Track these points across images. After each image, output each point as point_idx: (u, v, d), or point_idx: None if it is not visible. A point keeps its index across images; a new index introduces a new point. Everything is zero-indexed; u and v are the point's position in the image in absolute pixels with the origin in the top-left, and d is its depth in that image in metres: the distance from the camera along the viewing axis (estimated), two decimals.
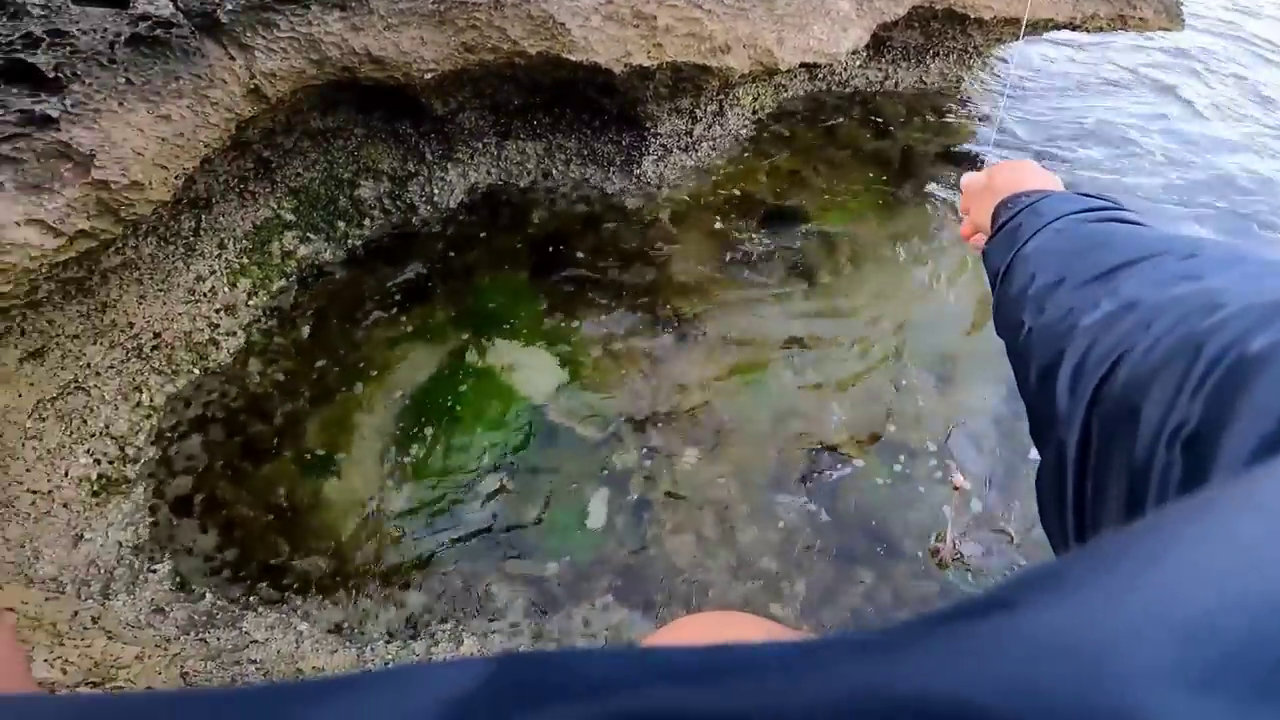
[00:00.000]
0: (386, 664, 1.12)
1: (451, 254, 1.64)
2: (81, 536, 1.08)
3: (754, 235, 1.67)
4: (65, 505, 1.07)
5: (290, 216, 1.53)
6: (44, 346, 1.09)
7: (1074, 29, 1.77)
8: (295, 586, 1.19)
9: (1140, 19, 1.76)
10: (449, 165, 1.67)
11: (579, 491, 1.37)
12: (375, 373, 1.45)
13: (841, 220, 1.73)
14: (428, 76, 1.39)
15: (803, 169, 1.78)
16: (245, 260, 1.44)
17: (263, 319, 1.43)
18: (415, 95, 1.48)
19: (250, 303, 1.42)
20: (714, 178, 1.72)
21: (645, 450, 1.40)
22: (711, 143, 1.70)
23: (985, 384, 1.51)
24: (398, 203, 1.66)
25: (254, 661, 1.15)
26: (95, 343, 1.16)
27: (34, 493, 1.05)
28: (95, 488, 1.13)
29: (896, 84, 1.98)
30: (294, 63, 1.27)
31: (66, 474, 1.10)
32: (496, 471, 1.37)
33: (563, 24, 1.33)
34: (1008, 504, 1.36)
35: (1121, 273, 0.41)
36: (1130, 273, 0.41)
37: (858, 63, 1.89)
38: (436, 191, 1.67)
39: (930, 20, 1.81)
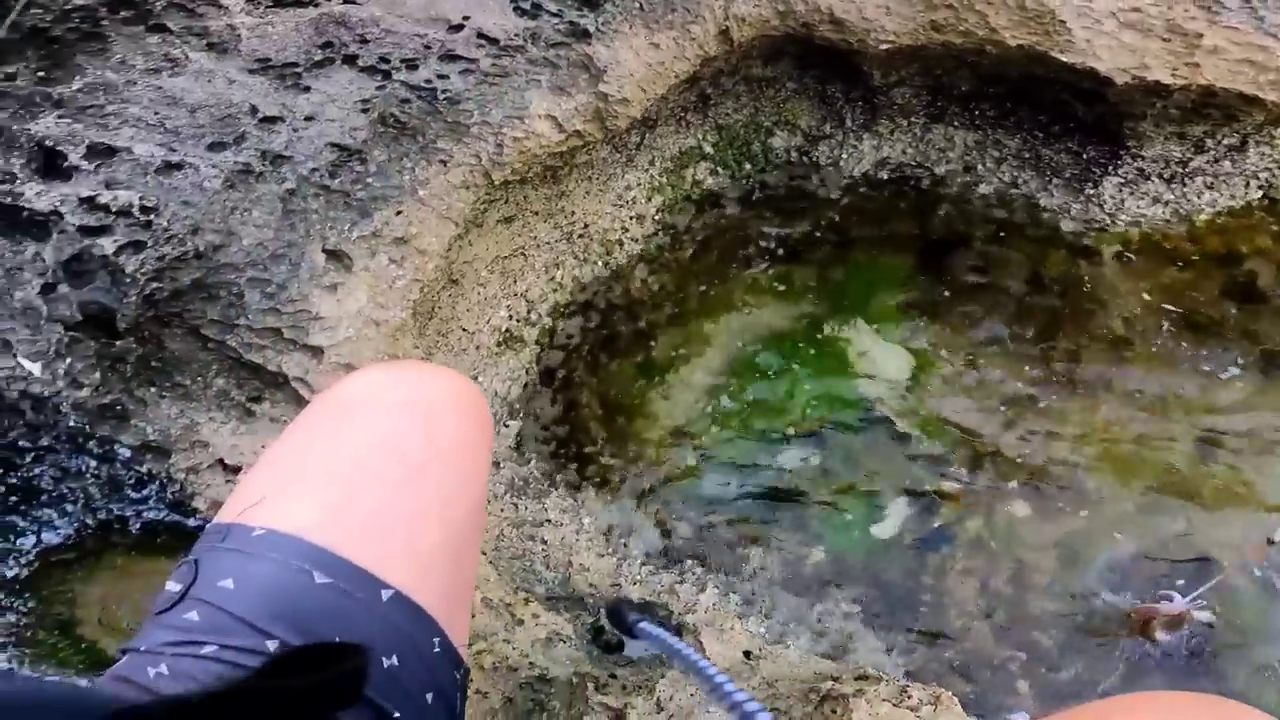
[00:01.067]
0: (635, 583, 1.25)
1: (839, 222, 1.63)
2: (476, 378, 1.37)
3: (1217, 306, 1.36)
4: (478, 348, 1.37)
5: (709, 149, 1.66)
6: (514, 215, 1.37)
7: None
8: (596, 480, 1.37)
9: None
10: (865, 135, 1.63)
11: (882, 494, 1.33)
12: (731, 311, 1.55)
13: None
14: (882, 48, 1.36)
15: None
16: (664, 180, 1.61)
17: (660, 234, 1.61)
18: (859, 63, 1.46)
19: (656, 217, 1.61)
20: (1193, 223, 1.41)
21: (973, 482, 1.30)
22: (1209, 179, 1.39)
23: None
24: (804, 158, 1.69)
25: (544, 541, 1.32)
26: (546, 221, 1.43)
27: (464, 330, 1.37)
28: (501, 338, 1.42)
29: None
30: (763, 11, 1.34)
31: (489, 321, 1.40)
32: (806, 443, 1.39)
33: (1063, 21, 1.18)
34: None
35: None
36: None
37: None
38: (845, 157, 1.65)
39: None
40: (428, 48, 1.12)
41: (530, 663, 1.19)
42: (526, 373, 1.42)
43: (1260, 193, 1.38)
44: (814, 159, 1.69)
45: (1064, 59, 1.24)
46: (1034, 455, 1.31)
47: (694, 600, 1.24)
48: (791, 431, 1.42)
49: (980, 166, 1.54)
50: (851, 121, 1.66)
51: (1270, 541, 1.20)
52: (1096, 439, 1.31)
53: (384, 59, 1.12)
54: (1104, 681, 1.14)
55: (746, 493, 1.37)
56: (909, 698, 1.04)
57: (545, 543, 1.32)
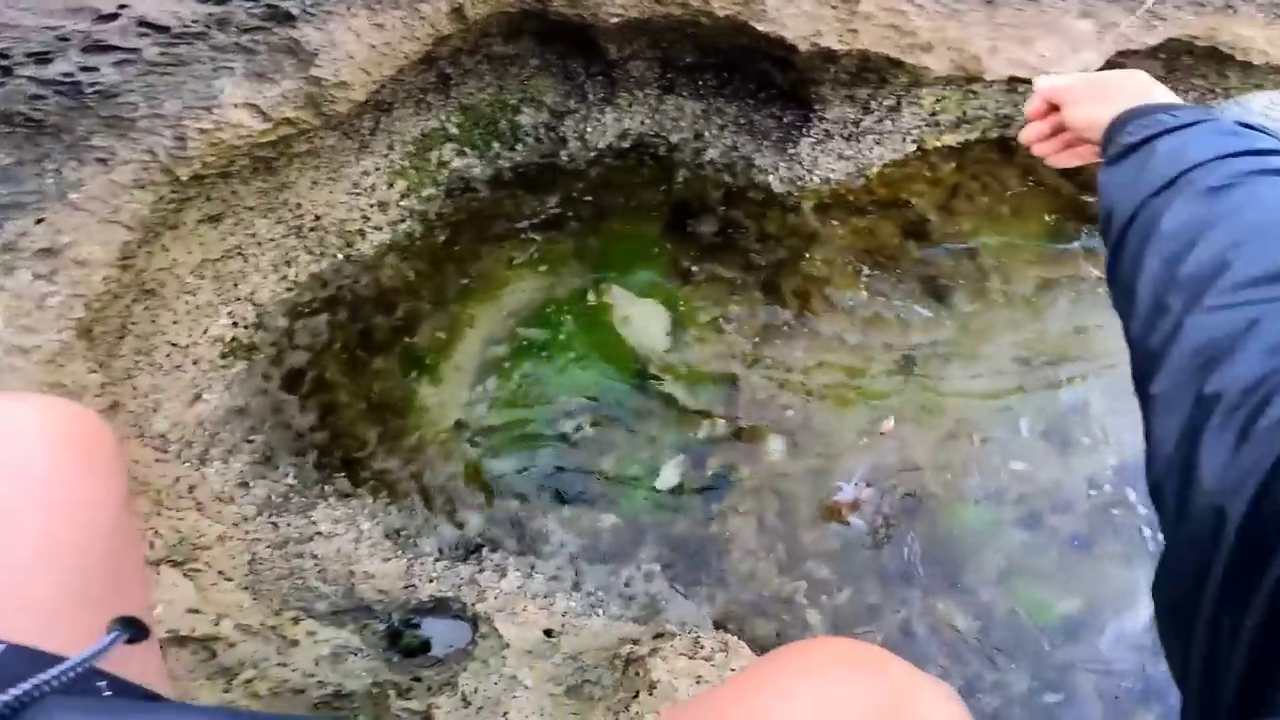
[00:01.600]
0: (431, 580, 1.22)
1: (590, 194, 1.67)
2: (200, 396, 1.24)
3: (896, 242, 1.58)
4: (195, 362, 1.24)
5: (454, 130, 1.62)
6: (222, 213, 1.24)
7: None
8: (371, 484, 1.31)
9: None
10: (607, 108, 1.68)
11: (658, 452, 1.40)
12: (493, 292, 1.54)
13: (996, 251, 1.59)
14: (613, 20, 1.40)
15: (967, 185, 1.64)
16: (406, 164, 1.55)
17: (408, 220, 1.54)
18: (595, 37, 1.50)
19: (401, 203, 1.54)
20: (868, 176, 1.62)
21: (733, 427, 1.40)
22: (877, 137, 1.60)
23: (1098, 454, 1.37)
24: (551, 134, 1.71)
25: (315, 557, 1.24)
26: (266, 216, 1.30)
27: (173, 345, 1.22)
28: (226, 349, 1.29)
29: None
30: None
31: (206, 331, 1.26)
32: (581, 414, 1.42)
33: None
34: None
35: None
36: None
37: None
38: (589, 130, 1.69)
39: (1183, 55, 1.57)
40: (64, 40, 0.97)
41: (319, 681, 1.12)
42: (265, 380, 1.30)
43: (914, 146, 1.62)
44: (561, 134, 1.71)
45: (760, 28, 1.35)
46: (775, 395, 1.45)
47: (494, 586, 1.23)
48: (567, 402, 1.44)
49: (707, 133, 1.65)
50: (594, 96, 1.69)
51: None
52: (821, 373, 1.47)
53: (1, 54, 0.95)
54: (870, 595, 1.29)
55: (533, 471, 1.37)
56: (701, 648, 1.12)
57: (317, 557, 1.24)
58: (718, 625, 1.26)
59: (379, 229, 1.49)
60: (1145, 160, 0.45)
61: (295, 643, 1.14)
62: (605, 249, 1.61)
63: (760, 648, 1.18)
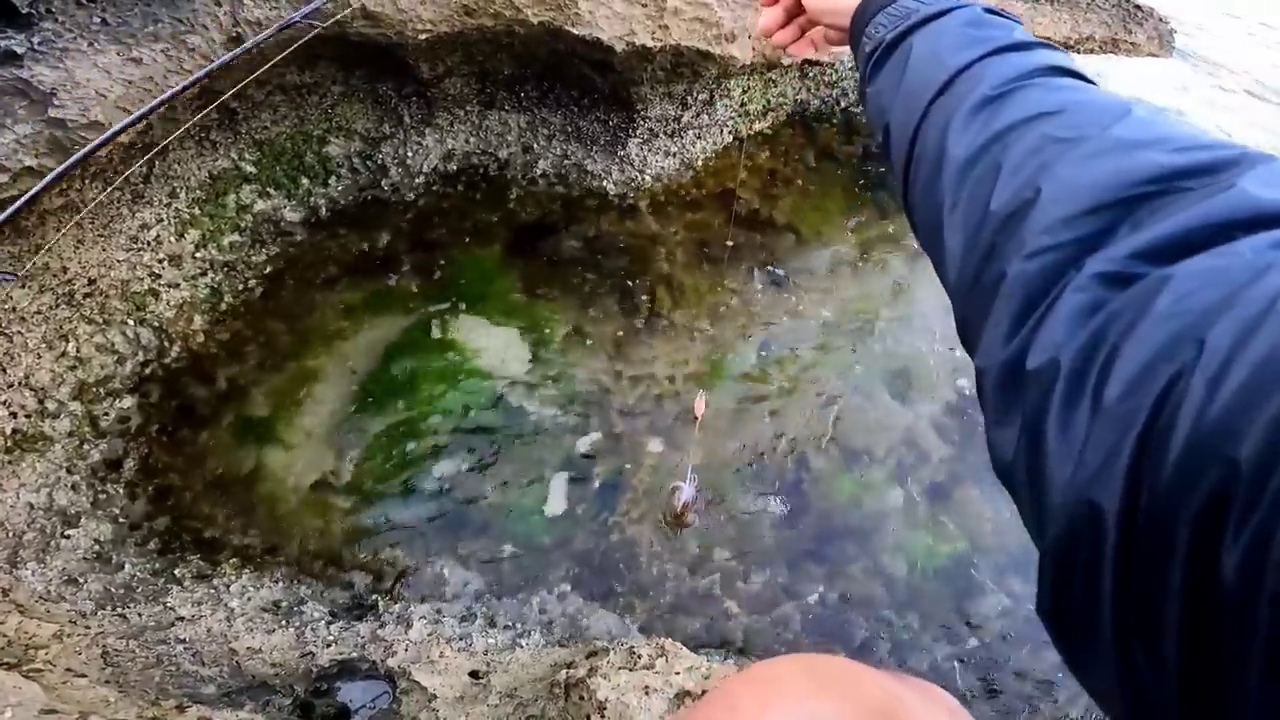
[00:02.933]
0: (329, 644, 1.06)
1: (421, 224, 1.56)
2: None
3: (729, 230, 1.64)
4: None
5: (251, 169, 1.44)
6: None
7: (1069, 48, 1.78)
8: (232, 561, 1.11)
9: (1132, 44, 1.79)
10: (427, 130, 1.59)
11: (539, 474, 1.32)
12: (331, 341, 1.38)
13: (815, 223, 1.72)
14: (422, 38, 1.32)
15: (782, 169, 1.76)
16: (197, 211, 1.35)
17: (211, 273, 1.34)
18: (404, 56, 1.41)
19: (198, 255, 1.33)
20: (695, 170, 1.68)
21: (610, 436, 1.36)
22: (697, 131, 1.66)
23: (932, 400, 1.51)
24: (368, 163, 1.58)
25: (182, 641, 1.08)
26: (24, 286, 1.07)
27: None
28: (9, 444, 1.03)
29: None
30: (282, 12, 1.20)
31: None
32: (453, 450, 1.31)
33: None
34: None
35: (1143, 205, 0.26)
36: (1159, 204, 0.26)
37: (851, 65, 1.88)
38: (410, 155, 1.59)
39: None
40: None
41: None
42: (70, 472, 1.06)
43: (731, 137, 1.71)
44: (379, 161, 1.58)
45: (576, 32, 1.34)
46: (644, 397, 1.43)
47: (402, 638, 1.09)
48: (437, 439, 1.32)
49: (535, 145, 1.62)
50: (410, 119, 1.59)
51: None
52: (683, 367, 1.49)
53: None
54: (780, 577, 1.29)
55: (414, 516, 1.24)
56: (639, 657, 1.06)
57: (185, 641, 1.04)
58: (643, 632, 1.21)
59: (174, 286, 1.28)
60: (904, 63, 0.41)
61: None
62: (449, 280, 1.51)
63: (694, 646, 1.14)
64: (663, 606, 1.25)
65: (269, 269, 1.43)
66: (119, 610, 1.05)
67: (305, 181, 1.51)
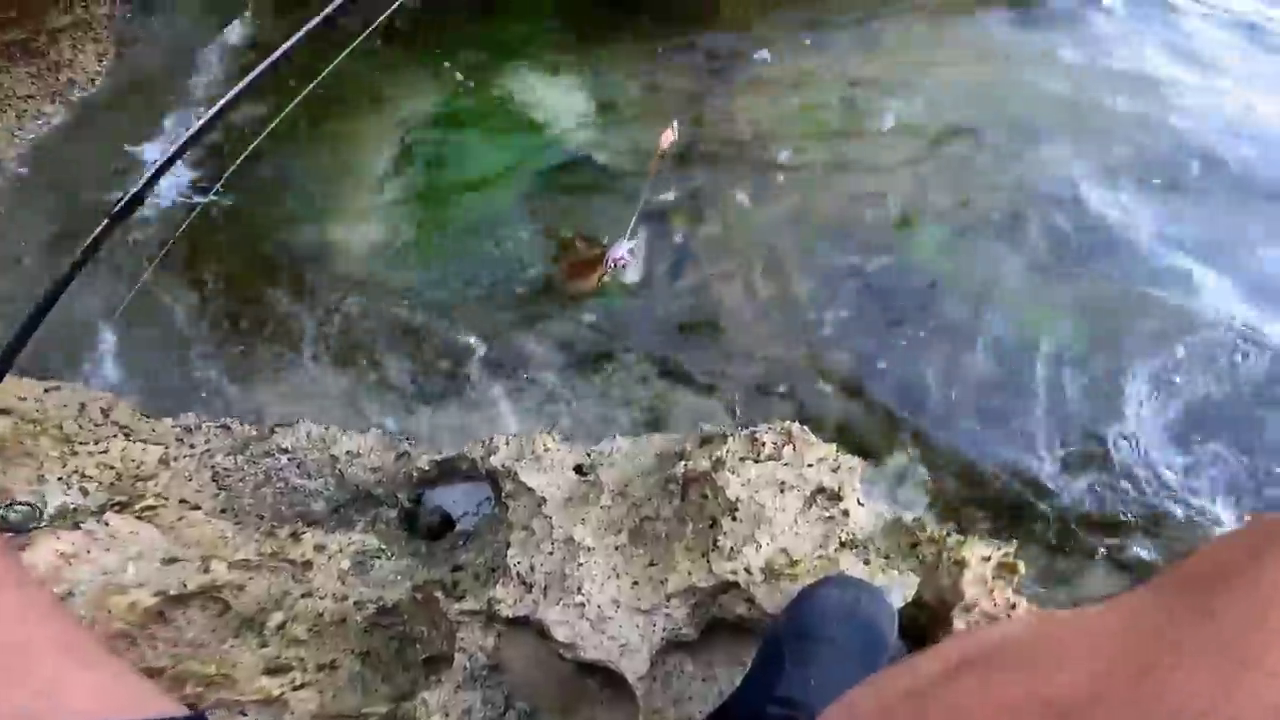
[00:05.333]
0: (425, 451, 1.04)
1: None
2: None
3: None
4: None
5: None
6: None
7: None
8: (315, 356, 1.09)
9: None
10: None
11: (611, 236, 1.21)
12: (373, 101, 1.22)
13: None
14: None
15: None
16: None
17: None
18: None
19: None
20: None
21: (690, 189, 1.23)
22: None
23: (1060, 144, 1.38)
24: None
25: (285, 450, 1.06)
26: None
27: None
28: None
29: None
30: None
31: None
32: (518, 214, 1.21)
33: None
34: None
35: None
36: None
37: None
38: None
39: None
40: None
41: (355, 603, 0.92)
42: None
43: None
44: None
45: None
46: (727, 146, 1.28)
47: (498, 430, 1.09)
48: (489, 201, 1.23)
49: None
50: None
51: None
52: (764, 115, 1.31)
53: None
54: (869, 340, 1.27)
55: (470, 285, 1.18)
56: (763, 446, 0.94)
57: (288, 451, 1.04)
58: (734, 415, 1.18)
59: None
60: None
61: (308, 564, 0.95)
62: (498, 28, 1.31)
63: (817, 429, 1.08)
64: (751, 378, 1.15)
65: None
66: (223, 422, 1.03)
67: None
